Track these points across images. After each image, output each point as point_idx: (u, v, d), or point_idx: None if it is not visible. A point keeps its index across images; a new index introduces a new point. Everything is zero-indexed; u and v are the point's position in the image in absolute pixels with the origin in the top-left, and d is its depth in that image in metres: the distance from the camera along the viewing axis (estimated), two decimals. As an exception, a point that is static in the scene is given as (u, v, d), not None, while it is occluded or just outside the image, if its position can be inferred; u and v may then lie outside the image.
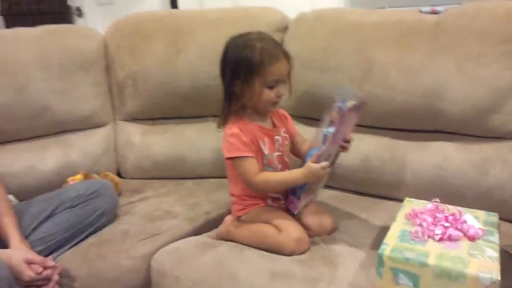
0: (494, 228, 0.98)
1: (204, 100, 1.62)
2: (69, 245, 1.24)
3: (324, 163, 1.08)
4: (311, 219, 1.20)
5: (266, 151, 1.18)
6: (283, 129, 1.25)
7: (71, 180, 1.48)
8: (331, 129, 1.10)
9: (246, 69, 1.12)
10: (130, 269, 1.19)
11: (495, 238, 0.94)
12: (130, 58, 1.66)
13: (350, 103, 1.09)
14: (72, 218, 1.26)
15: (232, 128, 1.16)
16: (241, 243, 1.18)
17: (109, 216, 1.34)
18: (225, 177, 1.47)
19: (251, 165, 1.14)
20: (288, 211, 1.20)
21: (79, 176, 1.50)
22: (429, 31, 1.32)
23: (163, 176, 1.66)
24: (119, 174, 1.69)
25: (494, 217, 1.03)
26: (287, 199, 1.21)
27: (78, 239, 1.26)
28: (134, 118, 1.72)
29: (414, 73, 1.31)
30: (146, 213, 1.39)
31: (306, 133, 1.33)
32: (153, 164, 1.67)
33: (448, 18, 1.31)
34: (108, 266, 1.18)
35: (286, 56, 1.16)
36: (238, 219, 1.23)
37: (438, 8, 1.39)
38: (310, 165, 1.08)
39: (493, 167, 1.22)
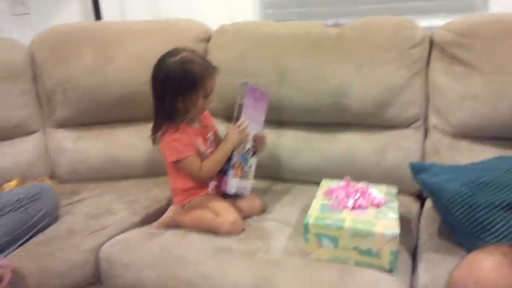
0: (394, 197, 1.21)
1: (134, 104, 1.71)
2: (15, 246, 1.27)
3: (239, 122, 1.28)
4: (243, 202, 1.35)
5: (202, 149, 1.32)
6: (211, 129, 1.39)
7: (7, 187, 1.50)
8: (242, 106, 1.31)
9: (189, 85, 1.24)
10: (80, 263, 1.25)
11: (395, 204, 1.17)
12: (59, 68, 1.71)
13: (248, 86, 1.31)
14: (16, 220, 1.29)
15: (173, 135, 1.28)
16: (184, 229, 1.29)
17: (52, 217, 1.38)
18: (159, 175, 1.60)
19: (194, 163, 1.29)
20: (225, 196, 1.35)
21: (14, 182, 1.53)
22: (333, 41, 1.52)
23: (98, 178, 1.72)
24: (53, 179, 1.72)
25: (393, 189, 1.27)
26: (220, 183, 1.34)
27: (23, 240, 1.29)
28: (65, 125, 1.76)
29: (321, 76, 1.51)
30: (87, 212, 1.45)
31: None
32: (87, 168, 1.72)
33: (348, 30, 1.52)
34: (58, 261, 1.23)
35: (215, 67, 1.30)
36: (181, 207, 1.35)
37: (341, 21, 1.59)
38: (229, 130, 1.28)
39: (389, 151, 1.47)
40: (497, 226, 1.02)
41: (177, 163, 1.29)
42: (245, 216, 1.34)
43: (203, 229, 1.27)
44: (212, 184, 1.36)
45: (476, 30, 1.37)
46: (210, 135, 1.37)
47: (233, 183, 1.33)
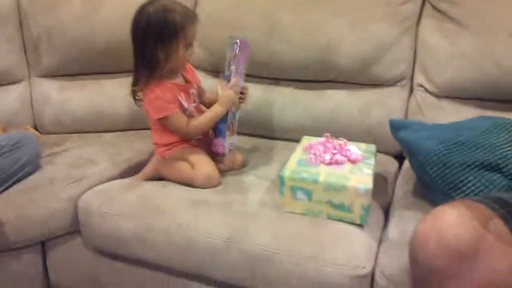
0: (372, 154, 1.21)
1: (121, 55, 1.64)
2: (-5, 192, 1.28)
3: (232, 83, 1.25)
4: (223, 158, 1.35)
5: (185, 104, 1.30)
6: (195, 83, 1.37)
7: (-11, 134, 1.50)
8: (232, 67, 1.27)
9: (170, 33, 1.20)
10: (58, 211, 1.26)
11: (371, 161, 1.17)
12: (45, 14, 1.67)
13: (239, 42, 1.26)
14: (-5, 167, 1.30)
15: (155, 91, 1.24)
16: (165, 180, 1.31)
17: (33, 166, 1.38)
18: (143, 128, 1.60)
19: (180, 118, 1.27)
20: (209, 149, 1.34)
21: (-3, 130, 1.52)
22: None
23: (82, 130, 1.72)
24: (37, 129, 1.72)
25: (372, 147, 1.26)
26: (213, 145, 1.33)
27: (3, 188, 1.29)
28: (51, 74, 1.74)
29: (313, 32, 1.48)
30: (69, 162, 1.45)
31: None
32: (72, 118, 1.71)
33: (341, -15, 1.49)
34: (36, 209, 1.24)
35: (196, 16, 1.26)
36: (163, 158, 1.34)
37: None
38: (221, 92, 1.25)
39: (374, 109, 1.46)
40: (469, 185, 1.02)
41: (162, 120, 1.27)
42: (226, 169, 1.34)
43: (181, 181, 1.28)
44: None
45: (469, -13, 1.33)
46: (193, 90, 1.35)
47: (228, 144, 1.32)
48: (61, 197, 1.29)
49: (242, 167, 1.38)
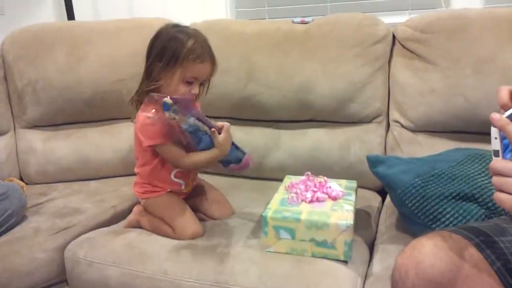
0: (352, 191, 1.24)
1: (105, 104, 1.72)
2: (-20, 245, 1.28)
3: (226, 127, 1.19)
4: (212, 211, 1.34)
5: None
6: None
7: (-25, 187, 1.50)
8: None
9: (170, 57, 1.16)
10: (45, 261, 1.25)
11: (352, 197, 1.20)
12: (30, 67, 1.71)
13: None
14: (-19, 219, 1.30)
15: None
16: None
17: (18, 217, 1.38)
18: (129, 175, 1.61)
19: (173, 149, 1.20)
20: (190, 198, 1.34)
21: (-18, 182, 1.52)
22: (299, 38, 1.55)
23: (68, 179, 1.72)
24: (22, 180, 1.72)
25: (353, 183, 1.29)
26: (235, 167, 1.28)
27: (-12, 240, 1.30)
28: (35, 125, 1.76)
29: (288, 73, 1.53)
30: (54, 212, 1.45)
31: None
32: (57, 168, 1.72)
33: (314, 27, 1.55)
34: (23, 260, 1.23)
35: (212, 60, 1.21)
36: (142, 208, 1.34)
37: (307, 19, 1.61)
38: (221, 139, 1.18)
39: (353, 146, 1.50)
40: (447, 216, 1.05)
41: (155, 147, 1.22)
42: (215, 219, 1.34)
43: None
44: (175, 181, 1.32)
45: (433, 26, 1.41)
46: None
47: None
48: (46, 248, 1.28)
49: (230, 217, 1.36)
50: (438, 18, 1.43)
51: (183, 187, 1.32)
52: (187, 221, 1.25)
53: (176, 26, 1.23)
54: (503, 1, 1.62)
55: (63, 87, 1.70)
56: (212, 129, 1.18)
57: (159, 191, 1.30)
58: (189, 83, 1.19)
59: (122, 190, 1.60)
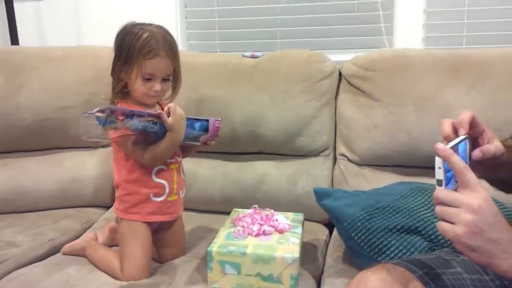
0: (299, 223, 1.24)
1: (45, 132, 1.65)
2: None
3: (172, 106, 1.13)
4: (166, 254, 1.27)
5: None
6: None
7: None
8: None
9: (126, 54, 1.12)
10: (-28, 301, 1.16)
11: (299, 230, 1.19)
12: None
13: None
14: None
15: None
16: (89, 261, 1.25)
17: None
18: (70, 207, 1.55)
19: (134, 147, 1.15)
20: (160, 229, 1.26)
21: None
22: (249, 72, 1.57)
23: (3, 211, 1.61)
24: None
25: (300, 216, 1.29)
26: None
27: None
28: (-30, 154, 1.66)
29: (238, 105, 1.54)
30: (-14, 246, 1.36)
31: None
32: (-8, 199, 1.62)
33: (263, 62, 1.58)
34: None
35: (169, 54, 1.14)
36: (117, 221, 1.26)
37: (257, 54, 1.64)
38: (167, 122, 1.11)
39: (301, 179, 1.51)
40: (392, 248, 1.06)
41: (119, 142, 1.16)
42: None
43: (106, 272, 1.21)
44: (157, 182, 1.21)
45: (376, 64, 1.47)
46: None
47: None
48: (-27, 286, 1.19)
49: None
50: (381, 57, 1.49)
51: (166, 189, 1.21)
52: (137, 266, 1.17)
53: (138, 23, 1.17)
54: (441, 43, 1.72)
55: (1, 113, 1.61)
56: (158, 112, 1.12)
57: (137, 213, 1.20)
58: (147, 79, 1.14)
59: (62, 223, 1.52)
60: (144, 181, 1.20)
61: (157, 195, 1.21)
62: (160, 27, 1.18)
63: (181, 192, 1.27)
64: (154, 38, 1.13)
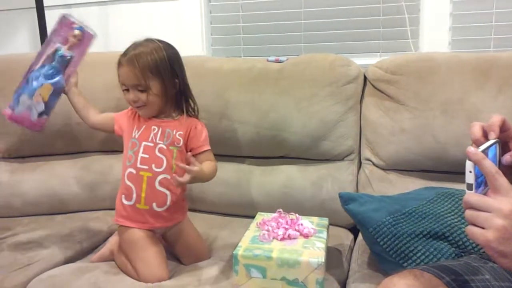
0: (324, 228, 1.23)
1: (75, 136, 1.69)
2: None
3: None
4: (187, 257, 1.29)
5: (134, 134, 1.26)
6: (178, 131, 1.25)
7: None
8: (68, 52, 1.27)
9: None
10: (3, 300, 1.19)
11: (324, 234, 1.19)
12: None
13: (88, 29, 1.25)
14: None
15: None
16: (116, 264, 1.28)
17: (-22, 253, 1.33)
18: (96, 209, 1.58)
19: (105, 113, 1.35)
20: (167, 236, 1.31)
21: None
22: (274, 76, 1.57)
23: (33, 213, 1.66)
24: (-15, 214, 1.66)
25: (325, 221, 1.29)
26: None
27: None
28: (2, 157, 1.71)
29: (262, 109, 1.54)
30: (16, 247, 1.39)
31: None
32: (23, 201, 1.66)
33: (288, 66, 1.58)
34: (-21, 299, 1.18)
35: (129, 64, 1.17)
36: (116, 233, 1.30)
37: (281, 58, 1.64)
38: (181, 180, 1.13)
39: (326, 184, 1.50)
40: (418, 254, 1.05)
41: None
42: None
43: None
44: (126, 185, 1.25)
45: (402, 68, 1.45)
46: (156, 127, 1.25)
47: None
48: (7, 285, 1.21)
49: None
50: (407, 60, 1.47)
51: (134, 194, 1.23)
52: (149, 266, 1.19)
53: (152, 39, 1.25)
54: (468, 46, 1.69)
55: (33, 118, 1.66)
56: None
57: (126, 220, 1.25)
58: (126, 90, 1.22)
59: (89, 226, 1.55)
60: (122, 182, 1.27)
61: (126, 198, 1.25)
62: (154, 41, 1.23)
63: (154, 204, 1.23)
64: (128, 48, 1.21)
